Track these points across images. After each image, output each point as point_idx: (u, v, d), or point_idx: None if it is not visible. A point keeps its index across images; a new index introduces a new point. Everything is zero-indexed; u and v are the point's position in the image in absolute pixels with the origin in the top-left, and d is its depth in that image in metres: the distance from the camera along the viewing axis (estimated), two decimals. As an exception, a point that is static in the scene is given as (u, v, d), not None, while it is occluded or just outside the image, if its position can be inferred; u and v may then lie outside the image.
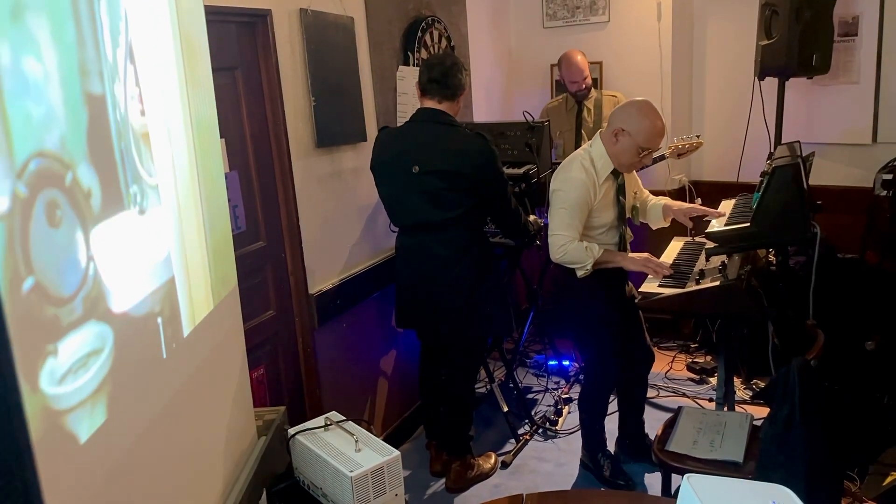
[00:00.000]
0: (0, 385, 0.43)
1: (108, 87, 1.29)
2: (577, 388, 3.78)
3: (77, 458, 1.05)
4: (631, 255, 2.78)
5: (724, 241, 2.60)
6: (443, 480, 3.15)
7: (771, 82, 3.62)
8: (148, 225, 1.42)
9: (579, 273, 2.70)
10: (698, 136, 3.68)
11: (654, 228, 3.09)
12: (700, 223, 3.04)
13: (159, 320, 1.43)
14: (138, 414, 1.28)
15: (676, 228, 3.21)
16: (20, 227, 0.99)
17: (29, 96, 1.05)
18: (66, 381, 1.08)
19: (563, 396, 3.77)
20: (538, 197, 3.40)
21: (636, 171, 2.98)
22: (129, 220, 1.34)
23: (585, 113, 4.11)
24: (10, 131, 0.99)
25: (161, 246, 1.48)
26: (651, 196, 3.11)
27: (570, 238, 2.66)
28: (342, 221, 3.10)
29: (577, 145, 4.03)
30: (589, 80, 4.06)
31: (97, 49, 1.26)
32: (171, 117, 1.60)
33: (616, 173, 2.75)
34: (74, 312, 1.11)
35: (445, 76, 2.76)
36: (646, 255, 2.76)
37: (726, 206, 3.05)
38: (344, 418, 2.03)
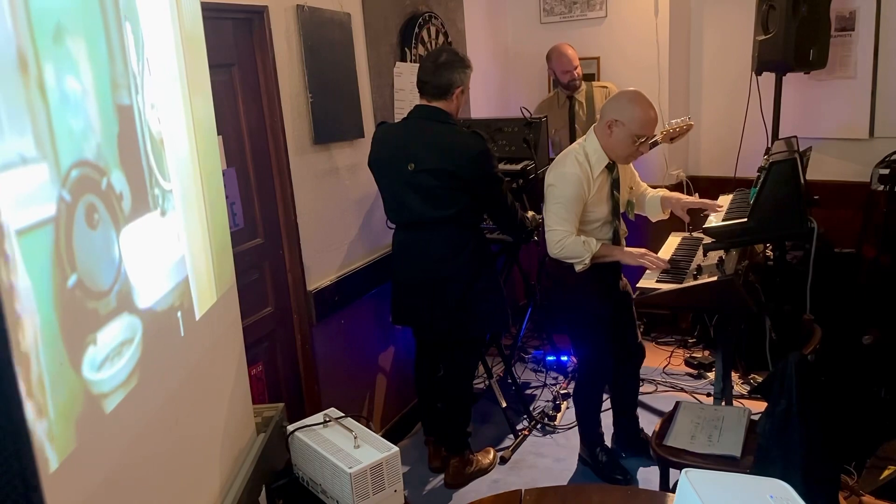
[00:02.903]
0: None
1: (133, 97, 1.40)
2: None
3: (75, 457, 1.05)
4: (628, 249, 2.79)
5: (722, 237, 2.60)
6: (442, 476, 3.15)
7: (768, 77, 3.62)
8: (168, 226, 1.53)
9: (577, 267, 2.71)
10: (689, 118, 3.66)
11: (653, 221, 3.09)
12: (698, 218, 3.05)
13: (179, 314, 1.53)
14: (137, 410, 1.28)
15: (674, 224, 3.21)
16: (65, 230, 1.11)
17: (70, 110, 1.15)
18: (105, 367, 1.19)
19: (562, 392, 3.78)
20: (536, 193, 3.40)
21: (632, 163, 2.98)
22: (153, 221, 1.45)
23: (577, 107, 4.11)
24: (56, 143, 1.10)
25: (178, 245, 1.59)
26: (649, 189, 3.10)
27: (567, 233, 2.67)
28: (340, 218, 3.09)
29: (573, 140, 4.02)
30: (580, 71, 4.05)
31: (125, 63, 1.37)
32: (179, 123, 1.68)
33: (610, 167, 2.75)
34: (110, 305, 1.22)
35: (434, 75, 2.75)
36: (642, 249, 2.76)
37: (723, 201, 3.05)
38: (343, 415, 2.03)
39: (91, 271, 1.18)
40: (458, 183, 2.73)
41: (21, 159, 1.01)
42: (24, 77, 1.03)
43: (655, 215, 3.05)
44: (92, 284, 1.18)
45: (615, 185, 2.79)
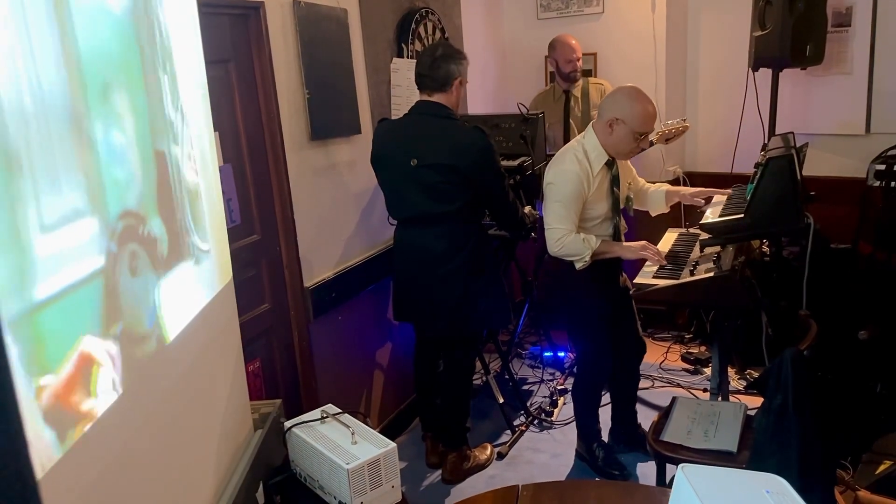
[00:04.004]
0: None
1: (169, 144, 1.46)
2: (571, 380, 3.80)
3: (72, 453, 1.05)
4: (628, 243, 2.78)
5: (719, 233, 2.61)
6: (439, 472, 3.16)
7: (765, 73, 3.62)
8: (201, 274, 1.61)
9: (578, 265, 2.70)
10: (684, 120, 3.67)
11: (653, 215, 3.09)
12: (695, 214, 3.05)
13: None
14: (136, 407, 1.28)
15: (671, 219, 3.22)
16: (111, 280, 1.15)
17: (116, 162, 1.21)
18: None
19: (559, 387, 3.78)
20: (533, 189, 3.40)
21: (629, 159, 2.98)
22: (188, 268, 1.54)
23: (573, 102, 4.10)
24: (105, 196, 1.17)
25: (209, 293, 1.68)
26: (648, 184, 3.10)
27: (567, 231, 2.67)
28: (337, 214, 3.09)
29: (566, 135, 4.02)
30: (581, 62, 4.04)
31: (162, 110, 1.43)
32: (209, 170, 1.76)
33: (610, 164, 2.75)
34: (151, 347, 1.32)
35: (432, 69, 2.76)
36: (642, 242, 2.76)
37: (721, 197, 3.05)
38: (340, 411, 2.03)
39: (134, 317, 1.24)
40: (461, 178, 2.74)
41: (75, 213, 1.05)
42: (77, 135, 1.08)
43: (657, 209, 3.05)
44: (136, 329, 1.25)
45: (615, 181, 2.79)
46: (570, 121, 4.09)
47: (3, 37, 0.91)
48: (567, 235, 2.66)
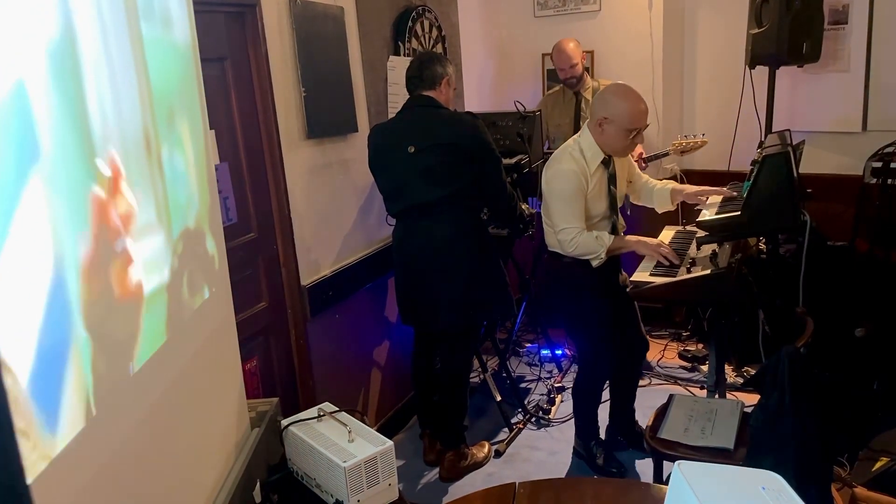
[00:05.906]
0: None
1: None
2: (569, 377, 3.81)
3: (68, 452, 1.04)
4: (643, 238, 2.76)
5: (715, 230, 2.61)
6: (437, 470, 3.16)
7: (761, 71, 3.62)
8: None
9: (594, 263, 2.70)
10: (703, 135, 3.69)
11: (660, 212, 3.08)
12: (692, 212, 3.05)
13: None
14: (132, 405, 1.27)
15: (667, 217, 3.22)
16: (175, 296, 1.25)
17: (179, 184, 1.33)
18: None
19: (556, 385, 3.79)
20: (530, 186, 3.40)
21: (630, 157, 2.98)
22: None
23: (584, 103, 4.09)
24: (170, 214, 1.25)
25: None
26: (652, 180, 3.10)
27: (578, 229, 2.66)
28: (334, 212, 3.09)
29: None
30: (578, 69, 4.02)
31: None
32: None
33: (606, 163, 2.75)
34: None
35: (420, 69, 2.87)
36: (658, 240, 2.76)
37: (716, 198, 3.05)
38: (337, 409, 2.02)
39: (189, 332, 1.34)
40: (459, 156, 2.78)
41: (149, 227, 1.16)
42: (148, 155, 1.20)
43: (664, 207, 3.04)
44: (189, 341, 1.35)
45: (612, 179, 2.79)
46: (581, 123, 4.08)
47: (92, 63, 1.03)
48: (579, 234, 2.66)
